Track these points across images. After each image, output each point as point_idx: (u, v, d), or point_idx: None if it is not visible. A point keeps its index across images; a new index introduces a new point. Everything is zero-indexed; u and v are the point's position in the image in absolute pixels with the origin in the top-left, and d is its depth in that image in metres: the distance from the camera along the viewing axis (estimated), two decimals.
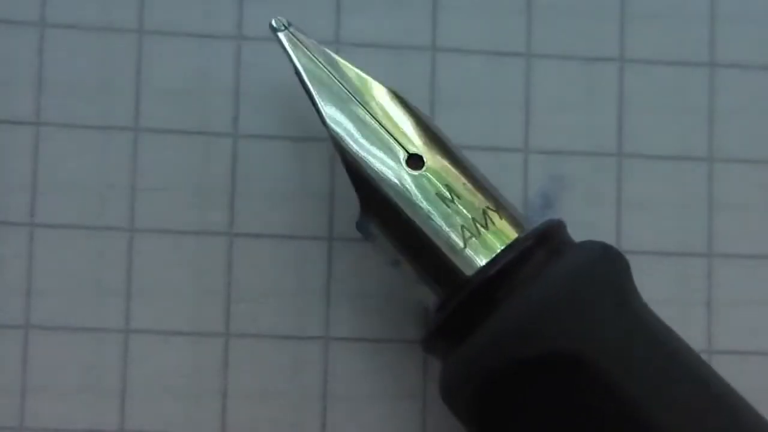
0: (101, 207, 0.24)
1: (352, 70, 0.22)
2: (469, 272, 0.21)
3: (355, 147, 0.22)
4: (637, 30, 0.25)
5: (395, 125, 0.22)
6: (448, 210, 0.21)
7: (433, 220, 0.21)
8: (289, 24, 0.23)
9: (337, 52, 0.23)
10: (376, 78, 0.22)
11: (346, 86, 0.22)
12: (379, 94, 0.22)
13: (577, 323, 0.20)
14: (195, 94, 0.24)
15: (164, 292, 0.24)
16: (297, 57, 0.22)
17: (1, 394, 0.23)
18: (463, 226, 0.21)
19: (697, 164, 0.25)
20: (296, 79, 0.22)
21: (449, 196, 0.21)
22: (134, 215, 0.24)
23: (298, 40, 0.23)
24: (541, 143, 0.25)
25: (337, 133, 0.22)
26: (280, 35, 0.23)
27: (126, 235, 0.24)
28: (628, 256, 0.21)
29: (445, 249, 0.21)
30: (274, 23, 0.23)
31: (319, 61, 0.22)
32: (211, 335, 0.24)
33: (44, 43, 0.24)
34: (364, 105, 0.22)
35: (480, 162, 0.23)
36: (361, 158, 0.22)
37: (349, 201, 0.22)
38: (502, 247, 0.21)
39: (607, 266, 0.21)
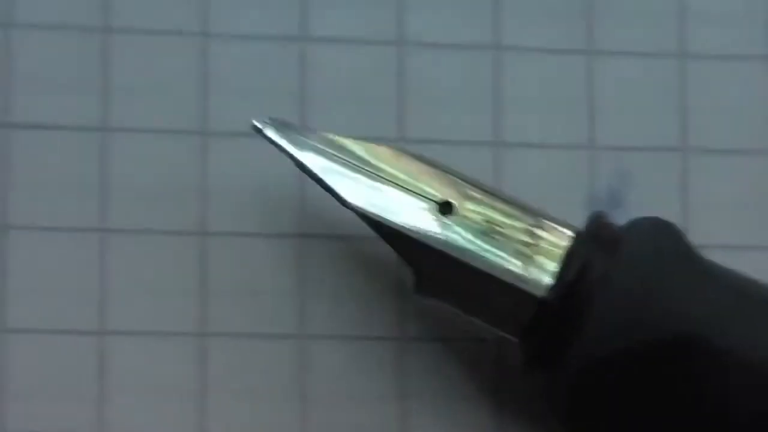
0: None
1: (350, 142, 0.22)
2: (541, 292, 0.21)
3: (387, 218, 0.21)
4: (696, 26, 0.25)
5: (414, 181, 0.21)
6: (498, 242, 0.21)
7: (487, 256, 0.21)
8: (271, 119, 0.22)
9: (397, 53, 0.23)
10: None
11: (351, 161, 0.21)
12: (385, 155, 0.21)
13: (673, 304, 0.20)
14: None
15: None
16: (295, 149, 0.21)
17: None
18: (517, 251, 0.21)
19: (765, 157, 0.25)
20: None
21: (493, 229, 0.21)
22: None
23: (286, 131, 0.22)
24: (607, 140, 0.24)
25: (365, 211, 0.21)
26: (268, 132, 0.22)
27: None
28: None
29: (510, 278, 0.21)
30: (257, 123, 0.22)
31: (317, 145, 0.22)
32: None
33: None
34: (377, 173, 0.21)
35: (544, 160, 0.24)
36: (398, 226, 0.21)
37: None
38: (563, 257, 0.21)
39: (669, 241, 0.21)
